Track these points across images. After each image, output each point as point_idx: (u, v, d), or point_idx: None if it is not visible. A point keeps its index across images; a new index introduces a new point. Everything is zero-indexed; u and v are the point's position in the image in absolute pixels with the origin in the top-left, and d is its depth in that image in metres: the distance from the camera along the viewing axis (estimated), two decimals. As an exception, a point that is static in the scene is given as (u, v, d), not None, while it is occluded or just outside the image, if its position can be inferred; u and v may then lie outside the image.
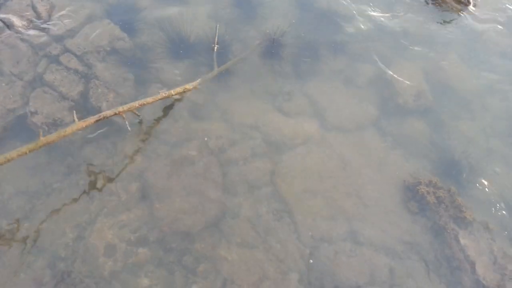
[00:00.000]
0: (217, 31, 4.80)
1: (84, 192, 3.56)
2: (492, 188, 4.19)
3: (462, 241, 3.68)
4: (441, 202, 3.82)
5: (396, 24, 5.63)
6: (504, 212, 4.00)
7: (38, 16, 4.66)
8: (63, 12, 4.75)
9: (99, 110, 3.94)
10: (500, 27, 5.95)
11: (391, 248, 3.64)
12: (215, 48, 4.68)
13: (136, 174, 3.69)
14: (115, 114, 3.58)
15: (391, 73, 4.92)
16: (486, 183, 4.21)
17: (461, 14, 6.01)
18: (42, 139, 3.23)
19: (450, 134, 4.53)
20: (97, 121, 3.49)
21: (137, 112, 3.85)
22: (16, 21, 4.54)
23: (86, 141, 3.84)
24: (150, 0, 5.14)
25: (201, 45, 4.81)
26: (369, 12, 5.71)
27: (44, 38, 4.43)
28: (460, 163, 4.28)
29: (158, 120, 4.09)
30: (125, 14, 4.91)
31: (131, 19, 4.88)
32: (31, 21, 4.57)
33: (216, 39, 4.75)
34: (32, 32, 4.47)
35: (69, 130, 3.36)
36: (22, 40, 4.39)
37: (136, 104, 3.70)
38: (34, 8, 4.72)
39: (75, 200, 3.51)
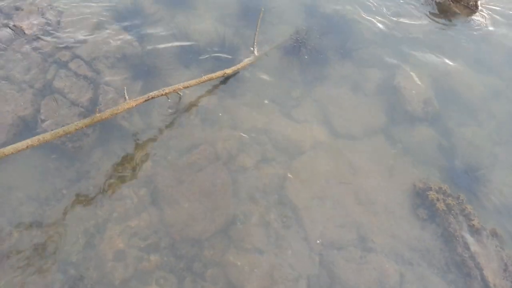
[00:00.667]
0: (260, 15, 4.88)
1: (94, 197, 3.57)
2: (501, 195, 4.18)
3: (472, 248, 3.66)
4: (451, 209, 3.82)
5: (403, 30, 5.65)
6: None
7: (48, 23, 4.70)
8: (72, 19, 4.79)
9: (108, 116, 3.97)
10: (507, 31, 5.96)
11: (400, 255, 3.63)
12: (257, 33, 4.73)
13: (145, 180, 3.71)
14: (162, 94, 3.82)
15: (398, 79, 4.93)
16: (494, 190, 4.20)
17: (468, 19, 6.03)
18: (97, 115, 3.44)
19: (458, 141, 4.53)
20: (145, 100, 3.75)
21: (179, 92, 4.09)
22: (26, 29, 4.58)
23: (94, 146, 3.86)
24: (158, 6, 5.18)
25: (209, 50, 4.84)
26: (376, 18, 5.74)
27: (53, 45, 4.47)
28: (468, 170, 4.27)
29: (167, 125, 4.10)
30: (134, 20, 4.95)
31: (140, 25, 4.92)
32: (40, 28, 4.62)
33: (258, 23, 4.80)
34: (41, 39, 4.51)
35: (121, 108, 3.58)
36: (32, 47, 4.42)
37: (180, 86, 3.96)
38: (43, 16, 4.77)
39: (85, 205, 3.52)
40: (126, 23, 4.83)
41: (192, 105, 4.30)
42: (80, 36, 4.62)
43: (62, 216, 3.44)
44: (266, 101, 4.47)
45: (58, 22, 4.75)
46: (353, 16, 5.69)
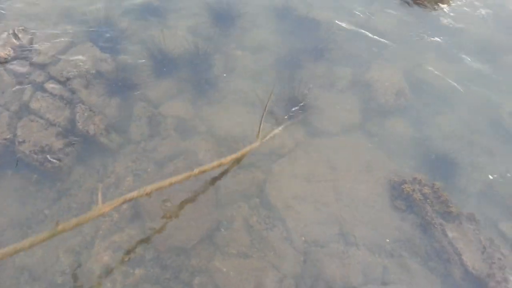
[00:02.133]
0: (270, 97, 4.24)
1: (76, 215, 3.58)
2: (476, 180, 4.31)
3: (450, 234, 3.77)
4: (427, 198, 3.93)
5: (374, 26, 5.78)
6: (488, 202, 4.12)
7: (20, 45, 4.71)
8: (44, 39, 4.81)
9: (86, 134, 4.00)
10: (476, 21, 6.13)
11: (382, 247, 3.72)
12: (263, 117, 4.06)
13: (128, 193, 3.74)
14: (142, 195, 3.16)
15: (371, 74, 5.05)
16: (470, 175, 4.32)
17: (438, 10, 6.19)
18: (59, 228, 2.85)
19: (432, 130, 4.65)
20: (122, 203, 3.11)
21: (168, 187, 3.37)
22: (-1, 51, 4.58)
23: (74, 164, 3.89)
24: (130, 21, 5.23)
25: (183, 61, 4.90)
26: (346, 16, 5.86)
27: (27, 67, 4.48)
28: (443, 158, 4.40)
29: (146, 139, 4.15)
30: (107, 36, 4.98)
31: (113, 40, 4.96)
32: (13, 50, 4.62)
33: (265, 107, 4.13)
34: (15, 61, 4.52)
35: (90, 215, 2.96)
36: (6, 70, 4.43)
37: (165, 183, 3.28)
38: (15, 37, 4.77)
39: (68, 224, 3.54)
40: (99, 40, 4.87)
41: (169, 116, 4.35)
42: (54, 56, 4.64)
43: (46, 236, 3.45)
44: (242, 106, 4.54)
45: (31, 43, 4.76)
46: (323, 16, 5.79)
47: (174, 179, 3.29)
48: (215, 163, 3.59)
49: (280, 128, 4.33)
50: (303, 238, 3.71)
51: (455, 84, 5.21)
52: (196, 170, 3.41)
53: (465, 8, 6.33)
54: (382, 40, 5.60)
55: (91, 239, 3.47)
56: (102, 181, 3.80)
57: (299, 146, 4.32)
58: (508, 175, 4.37)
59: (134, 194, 3.10)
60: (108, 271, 3.31)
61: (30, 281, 3.22)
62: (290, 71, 4.99)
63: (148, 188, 3.16)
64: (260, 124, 4.03)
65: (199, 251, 3.53)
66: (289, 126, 4.45)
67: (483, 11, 6.28)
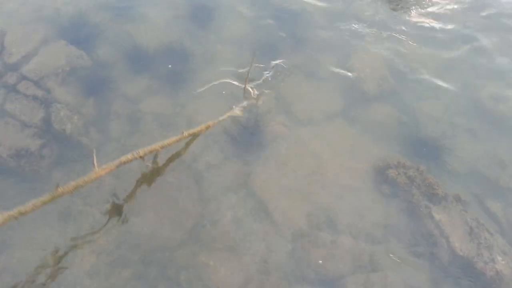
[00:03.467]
0: (253, 59, 4.23)
1: (58, 217, 3.50)
2: (461, 161, 4.31)
3: (436, 216, 3.77)
4: (413, 182, 3.92)
5: (353, 13, 5.72)
6: (473, 183, 4.14)
7: (-9, 46, 4.55)
8: (16, 39, 4.65)
9: (63, 134, 3.89)
10: (455, 5, 6.11)
11: (369, 234, 3.70)
12: (246, 79, 4.16)
13: (109, 194, 3.65)
14: (135, 158, 3.41)
15: (352, 60, 5.00)
16: (455, 157, 4.33)
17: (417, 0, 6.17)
18: (59, 190, 3.07)
19: (416, 115, 4.64)
20: (117, 166, 3.31)
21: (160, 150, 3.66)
22: (-32, 54, 4.42)
23: (54, 166, 3.78)
24: (105, 16, 5.08)
25: (161, 56, 4.79)
26: (322, 5, 5.79)
27: (-1, 68, 4.34)
28: (428, 142, 4.39)
29: (126, 135, 4.05)
30: (81, 32, 4.85)
31: (88, 37, 4.82)
32: (-16, 52, 4.47)
33: (249, 69, 4.19)
34: (-14, 63, 4.36)
35: (87, 179, 3.18)
36: (-24, 73, 4.28)
37: (157, 146, 3.55)
38: (-15, 38, 4.61)
39: (49, 226, 3.45)
40: (73, 37, 4.73)
41: (149, 112, 4.25)
42: (26, 55, 4.49)
43: (28, 239, 3.37)
44: (222, 97, 4.45)
45: (2, 44, 4.61)
46: (299, 6, 5.72)
47: (165, 142, 3.61)
48: (203, 125, 3.90)
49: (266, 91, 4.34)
50: (291, 229, 3.67)
51: (436, 69, 5.20)
52: (185, 133, 3.73)
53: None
54: (361, 27, 5.55)
55: (74, 240, 3.39)
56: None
57: (281, 136, 4.26)
58: (491, 154, 4.39)
59: (128, 157, 3.37)
60: (92, 272, 3.25)
61: (11, 283, 3.14)
62: (270, 61, 4.91)
63: (141, 151, 3.44)
64: (245, 88, 4.19)
65: (184, 248, 3.47)
66: (270, 117, 4.39)
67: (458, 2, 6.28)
